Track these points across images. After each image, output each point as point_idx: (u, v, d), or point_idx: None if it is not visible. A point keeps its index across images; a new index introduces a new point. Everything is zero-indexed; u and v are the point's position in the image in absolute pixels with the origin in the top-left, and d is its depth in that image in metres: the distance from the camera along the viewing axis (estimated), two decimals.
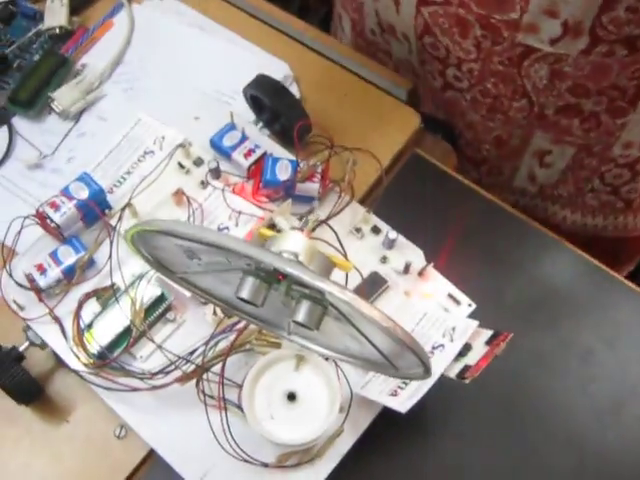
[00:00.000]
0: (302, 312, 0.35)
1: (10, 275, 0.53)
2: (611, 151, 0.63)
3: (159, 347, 0.49)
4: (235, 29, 0.67)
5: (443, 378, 0.48)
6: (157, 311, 0.52)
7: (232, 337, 0.50)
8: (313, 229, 0.51)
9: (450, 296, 0.53)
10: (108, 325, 0.51)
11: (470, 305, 0.53)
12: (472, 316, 0.52)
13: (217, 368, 0.49)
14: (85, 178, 0.55)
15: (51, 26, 0.66)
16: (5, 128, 0.63)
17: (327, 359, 0.48)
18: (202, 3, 0.69)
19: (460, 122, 0.69)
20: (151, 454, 0.52)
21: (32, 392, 0.53)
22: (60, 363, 0.54)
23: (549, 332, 0.56)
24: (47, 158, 0.62)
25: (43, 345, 0.54)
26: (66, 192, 0.54)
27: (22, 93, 0.63)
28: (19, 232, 0.54)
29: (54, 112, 0.63)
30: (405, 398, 0.47)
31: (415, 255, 0.54)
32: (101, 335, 0.50)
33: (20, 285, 0.53)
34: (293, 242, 0.36)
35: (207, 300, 0.43)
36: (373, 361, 0.40)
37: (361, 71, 0.65)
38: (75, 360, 0.51)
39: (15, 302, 0.53)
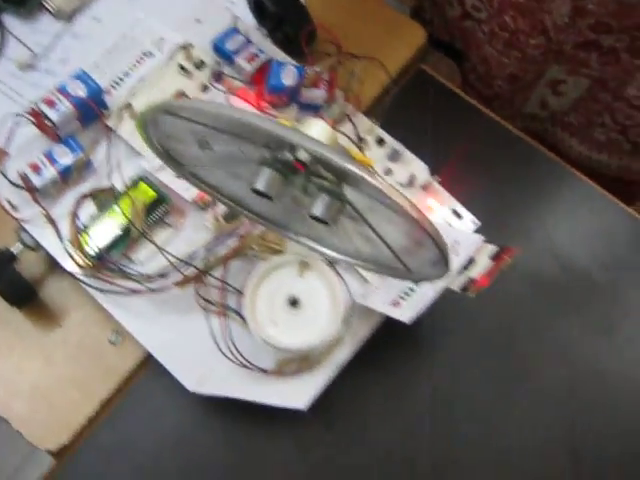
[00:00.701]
0: (319, 205, 0.34)
1: (4, 175, 0.51)
2: (626, 90, 0.61)
3: (159, 249, 0.48)
4: None
5: (445, 292, 0.47)
6: (156, 214, 0.50)
7: (233, 243, 0.49)
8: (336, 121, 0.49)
9: (454, 212, 0.53)
10: (106, 227, 0.50)
11: (474, 223, 0.52)
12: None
13: (217, 274, 0.48)
14: (82, 76, 0.52)
15: None
16: None
17: (332, 266, 0.47)
18: None
19: (474, 55, 0.67)
20: (146, 361, 0.52)
21: (25, 295, 0.52)
22: (54, 267, 0.53)
23: (547, 253, 0.56)
24: (39, 58, 0.59)
25: (37, 247, 0.52)
26: (62, 89, 0.52)
27: None
28: (11, 130, 0.52)
29: (47, 11, 0.61)
30: (406, 308, 0.47)
31: (419, 169, 0.53)
32: (99, 236, 0.49)
33: (14, 184, 0.51)
34: (316, 130, 0.34)
35: (215, 197, 0.42)
36: (384, 263, 0.39)
37: None
38: (71, 262, 0.50)
39: (9, 202, 0.51)
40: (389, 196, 0.29)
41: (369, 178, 0.29)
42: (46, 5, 0.60)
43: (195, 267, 0.47)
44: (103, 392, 0.51)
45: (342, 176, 0.34)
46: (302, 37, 0.54)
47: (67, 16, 0.61)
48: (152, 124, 0.36)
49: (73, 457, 0.50)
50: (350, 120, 0.52)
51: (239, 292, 0.49)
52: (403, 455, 0.51)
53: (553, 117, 0.70)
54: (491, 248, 0.48)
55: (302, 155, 0.33)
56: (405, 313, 0.46)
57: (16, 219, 0.52)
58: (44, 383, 0.52)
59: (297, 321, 0.46)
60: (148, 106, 0.33)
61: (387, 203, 0.30)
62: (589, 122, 0.67)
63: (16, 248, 0.52)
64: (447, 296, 0.46)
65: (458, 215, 0.53)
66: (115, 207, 0.50)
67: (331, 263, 0.48)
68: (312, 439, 0.51)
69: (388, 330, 0.50)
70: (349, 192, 0.34)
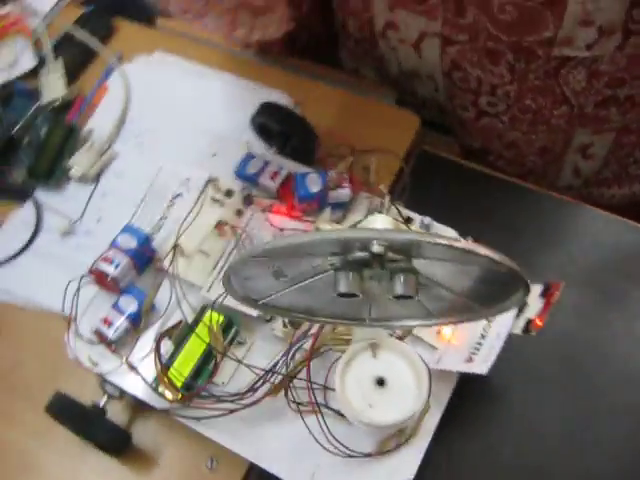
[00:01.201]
0: (400, 284, 0.38)
1: (79, 335, 0.55)
2: None
3: (245, 365, 0.52)
4: (229, 70, 0.70)
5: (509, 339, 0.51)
6: (229, 335, 0.54)
7: (307, 344, 0.52)
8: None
9: None
10: (187, 358, 0.53)
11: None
12: None
13: (300, 376, 0.52)
14: (129, 228, 0.57)
15: (51, 99, 0.69)
16: (30, 203, 0.65)
17: (401, 339, 0.51)
18: (189, 52, 0.73)
19: (498, 145, 0.71)
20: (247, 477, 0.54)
21: (122, 442, 0.55)
22: (141, 409, 0.56)
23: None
24: (77, 223, 0.64)
25: (121, 395, 0.55)
26: (116, 245, 0.56)
27: (40, 166, 0.66)
28: (77, 293, 0.56)
29: (73, 179, 0.66)
30: (480, 361, 0.51)
31: (450, 234, 0.58)
32: (183, 368, 0.52)
33: (92, 342, 0.54)
34: (381, 222, 0.39)
35: (289, 316, 0.45)
36: (460, 309, 0.43)
37: (356, 90, 0.69)
38: (161, 400, 0.53)
39: (89, 358, 0.54)
40: (476, 252, 0.34)
41: (454, 243, 0.33)
42: (71, 173, 0.65)
43: (281, 374, 0.51)
44: None
45: (410, 253, 0.38)
46: (314, 146, 0.59)
47: (92, 179, 0.66)
48: (234, 272, 0.40)
49: None
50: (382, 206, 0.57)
51: (325, 388, 0.52)
52: None
53: (587, 182, 0.74)
54: (538, 287, 0.53)
55: (375, 248, 0.37)
56: (481, 366, 0.50)
57: (98, 374, 0.55)
58: None
59: (389, 398, 0.49)
60: (233, 260, 0.37)
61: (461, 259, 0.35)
62: (622, 167, 0.71)
63: (102, 400, 0.55)
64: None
65: None
66: (191, 338, 0.53)
67: (400, 337, 0.52)
68: None
69: (463, 389, 0.53)
70: (416, 263, 0.38)
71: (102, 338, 0.54)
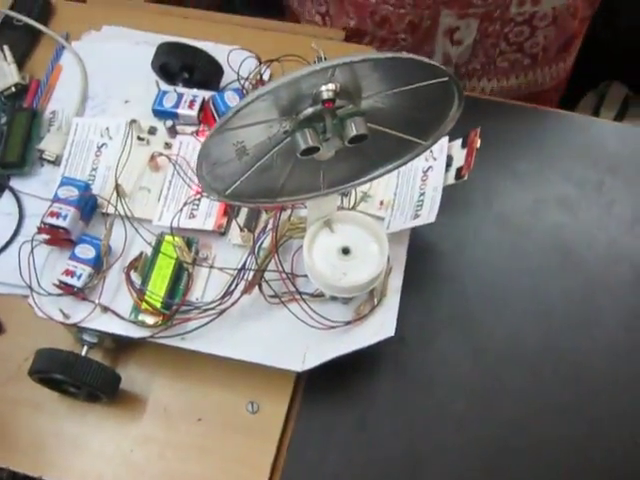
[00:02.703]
0: (352, 127, 0.42)
1: (47, 293, 0.55)
2: (509, 12, 0.73)
3: (216, 268, 0.54)
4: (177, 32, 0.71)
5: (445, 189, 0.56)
6: (193, 251, 0.56)
7: (267, 242, 0.55)
8: None
9: None
10: (159, 279, 0.55)
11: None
12: None
13: (270, 269, 0.55)
14: (67, 180, 0.58)
15: (6, 86, 0.69)
16: (8, 193, 0.65)
17: (352, 209, 0.55)
18: (138, 22, 0.75)
19: (370, 23, 0.75)
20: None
21: (114, 380, 0.56)
22: (123, 350, 0.58)
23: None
24: None
25: (100, 342, 0.57)
26: (58, 198, 0.57)
27: (10, 155, 0.65)
28: (31, 252, 0.56)
29: (47, 162, 0.66)
30: (427, 213, 0.55)
31: None
32: (158, 289, 0.54)
33: (60, 294, 0.55)
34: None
35: (252, 204, 0.48)
36: (402, 152, 0.48)
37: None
38: (142, 329, 0.54)
39: (62, 312, 0.55)
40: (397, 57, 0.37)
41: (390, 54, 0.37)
42: (45, 157, 0.65)
43: (252, 269, 0.54)
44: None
45: (352, 95, 0.41)
46: (219, 74, 0.62)
47: None
48: (204, 158, 0.42)
49: None
50: None
51: (293, 275, 0.55)
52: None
53: (458, 71, 0.80)
54: (458, 141, 0.58)
55: (325, 94, 0.40)
56: (428, 216, 0.55)
57: (73, 324, 0.56)
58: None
59: (357, 262, 0.53)
60: (208, 135, 0.39)
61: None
62: (489, 58, 0.77)
63: (83, 352, 0.56)
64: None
65: None
66: (158, 261, 0.55)
67: (352, 208, 0.56)
68: (391, 349, 0.58)
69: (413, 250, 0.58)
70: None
71: (68, 289, 0.55)
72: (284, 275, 0.54)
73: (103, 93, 0.70)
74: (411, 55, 0.39)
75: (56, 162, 0.66)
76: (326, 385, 0.58)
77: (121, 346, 0.59)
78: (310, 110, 0.41)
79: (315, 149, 0.42)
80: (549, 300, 0.61)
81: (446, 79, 0.41)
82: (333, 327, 0.54)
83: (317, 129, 0.42)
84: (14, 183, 0.66)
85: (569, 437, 0.56)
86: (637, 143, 0.67)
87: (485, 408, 0.58)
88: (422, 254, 0.62)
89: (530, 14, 0.74)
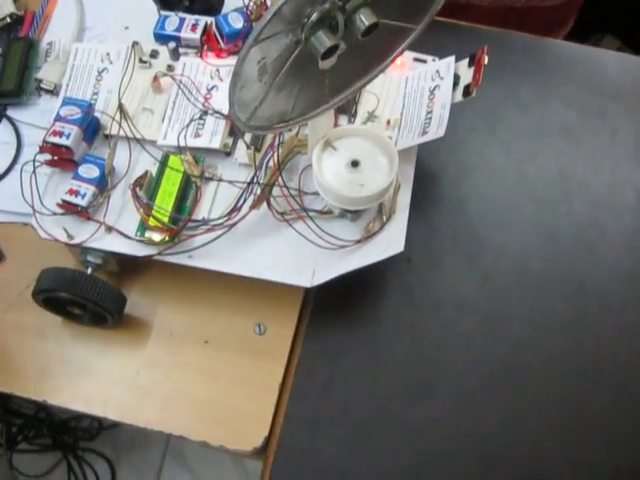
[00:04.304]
0: (365, 16, 0.41)
1: (50, 212, 0.54)
2: None
3: (224, 181, 0.53)
4: None
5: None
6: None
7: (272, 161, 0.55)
8: None
9: (416, 59, 0.61)
10: (166, 194, 0.54)
11: (434, 60, 0.61)
12: None
13: (277, 189, 0.54)
14: (69, 100, 0.57)
15: (1, 17, 0.68)
16: (6, 122, 0.64)
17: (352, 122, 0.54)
18: None
19: None
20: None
21: (120, 300, 0.55)
22: (128, 271, 0.57)
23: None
24: None
25: (105, 263, 0.56)
26: (60, 118, 0.56)
27: (7, 83, 0.65)
28: (34, 172, 0.55)
29: (44, 91, 0.65)
30: (436, 128, 0.55)
31: None
32: (166, 203, 0.53)
33: (64, 214, 0.54)
34: None
35: (269, 130, 0.47)
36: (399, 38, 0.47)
37: None
38: (149, 247, 0.54)
39: (66, 232, 0.54)
40: None
41: None
42: (43, 86, 0.64)
43: (260, 184, 0.53)
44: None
45: None
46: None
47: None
48: (234, 81, 0.41)
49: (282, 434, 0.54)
50: None
51: (301, 192, 0.55)
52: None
53: None
54: (465, 60, 0.58)
55: None
56: (437, 132, 0.55)
57: (77, 244, 0.55)
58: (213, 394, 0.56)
59: (367, 174, 0.52)
60: (245, 47, 0.38)
61: None
62: None
63: (89, 272, 0.55)
64: None
65: (422, 61, 0.61)
66: (164, 177, 0.54)
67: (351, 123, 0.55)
68: (398, 271, 0.59)
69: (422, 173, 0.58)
70: None
71: (72, 208, 0.54)
72: (286, 192, 0.53)
73: (101, 24, 0.69)
74: None
75: (54, 91, 0.65)
76: (333, 307, 0.58)
77: (125, 270, 0.59)
78: (326, 6, 0.40)
79: (335, 48, 0.41)
80: (554, 224, 0.61)
81: None
82: (343, 247, 0.53)
83: (330, 29, 0.42)
84: (12, 112, 0.66)
85: (575, 354, 0.57)
86: (639, 72, 0.68)
87: (492, 327, 0.58)
88: (427, 179, 0.62)
89: None
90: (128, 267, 0.58)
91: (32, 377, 0.56)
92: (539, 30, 0.77)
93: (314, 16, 0.40)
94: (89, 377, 0.56)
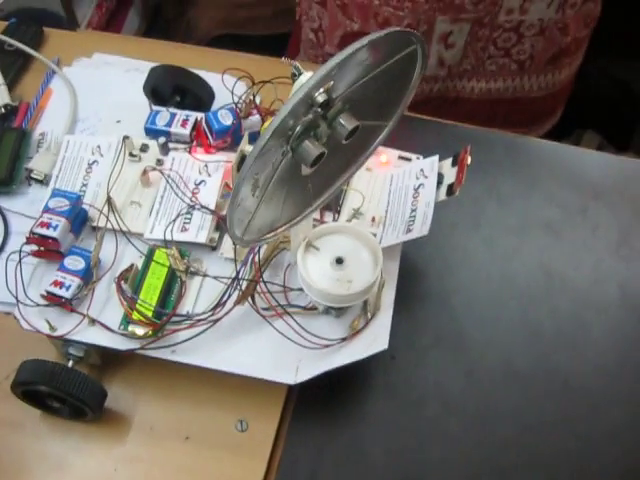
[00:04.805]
0: (345, 122, 0.43)
1: (34, 303, 0.54)
2: (497, 18, 0.78)
3: (209, 276, 0.54)
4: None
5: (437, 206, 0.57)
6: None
7: (262, 251, 0.55)
8: None
9: (401, 157, 0.63)
10: (150, 289, 0.54)
11: (418, 158, 0.63)
12: None
13: (264, 281, 0.54)
14: (58, 192, 0.58)
15: None
16: None
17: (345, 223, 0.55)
18: (128, 51, 0.76)
19: (374, 24, 0.80)
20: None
21: (101, 395, 0.55)
22: (111, 364, 0.57)
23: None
24: None
25: (87, 356, 0.55)
26: (48, 209, 0.56)
27: None
28: (19, 263, 0.55)
29: (34, 181, 0.66)
30: (420, 226, 0.56)
31: None
32: (150, 298, 0.53)
33: (48, 305, 0.54)
34: (306, 76, 0.43)
35: (262, 241, 0.49)
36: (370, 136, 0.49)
37: None
38: (131, 341, 0.53)
39: (48, 324, 0.54)
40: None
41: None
42: (33, 176, 0.65)
43: (247, 279, 0.53)
44: None
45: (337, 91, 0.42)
46: (211, 96, 0.63)
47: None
48: (234, 200, 0.42)
49: None
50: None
51: (286, 288, 0.55)
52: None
53: (450, 72, 0.85)
54: (448, 160, 0.59)
55: (320, 98, 0.41)
56: (421, 229, 0.55)
57: (60, 337, 0.54)
58: None
59: (351, 272, 0.53)
60: (250, 158, 0.40)
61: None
62: (479, 60, 0.82)
63: (69, 365, 0.55)
64: None
65: (405, 158, 0.63)
66: (149, 271, 0.54)
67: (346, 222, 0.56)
68: (382, 368, 0.59)
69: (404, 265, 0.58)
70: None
71: (56, 299, 0.54)
72: (266, 289, 0.53)
73: (94, 116, 0.71)
74: (396, 28, 0.40)
75: (44, 181, 0.66)
76: (316, 404, 0.58)
77: (107, 363, 0.58)
78: (310, 116, 0.42)
79: (322, 155, 0.43)
80: (537, 320, 0.62)
81: (414, 47, 0.43)
82: (328, 346, 0.53)
83: (315, 137, 0.43)
84: (0, 201, 0.66)
85: (561, 453, 0.56)
86: (619, 171, 0.69)
87: (477, 425, 0.57)
88: (411, 274, 0.63)
89: (517, 22, 0.79)
90: (110, 360, 0.58)
91: (8, 472, 0.55)
92: (527, 120, 0.80)
93: (299, 128, 0.41)
94: (65, 473, 0.55)
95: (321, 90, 0.41)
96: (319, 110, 0.42)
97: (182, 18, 1.12)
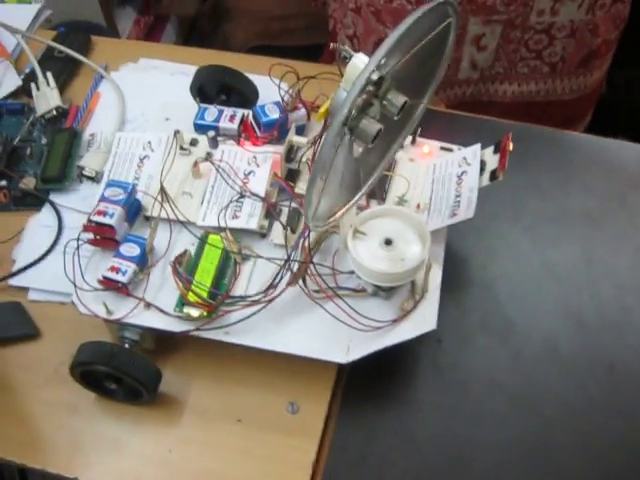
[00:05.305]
0: (395, 97, 0.44)
1: (92, 288, 0.56)
2: (529, 20, 0.80)
3: (263, 258, 0.55)
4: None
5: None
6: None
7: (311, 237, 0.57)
8: None
9: (442, 148, 0.65)
10: (205, 271, 0.56)
11: (459, 149, 0.64)
12: None
13: (315, 263, 0.56)
14: (113, 182, 0.60)
15: (47, 109, 0.72)
16: (48, 207, 0.68)
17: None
18: (173, 55, 0.80)
19: None
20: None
21: (157, 376, 0.56)
22: (165, 348, 0.58)
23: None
24: None
25: (141, 340, 0.57)
26: (105, 198, 0.58)
27: (51, 170, 0.68)
28: (77, 250, 0.57)
29: (86, 178, 0.69)
30: (465, 209, 0.57)
31: None
32: (205, 279, 0.55)
33: (105, 289, 0.56)
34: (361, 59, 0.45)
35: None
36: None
37: None
38: (186, 323, 0.55)
39: (106, 307, 0.56)
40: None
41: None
42: (85, 174, 0.68)
43: (298, 261, 0.55)
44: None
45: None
46: (255, 94, 0.66)
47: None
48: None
49: None
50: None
51: (335, 271, 0.56)
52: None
53: (483, 75, 0.86)
54: (491, 147, 0.61)
55: (375, 75, 0.43)
56: (466, 213, 0.57)
57: (116, 320, 0.56)
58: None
59: (401, 251, 0.54)
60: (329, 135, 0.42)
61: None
62: (511, 62, 0.84)
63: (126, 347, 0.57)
64: None
65: (447, 149, 0.65)
66: (204, 254, 0.56)
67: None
68: (429, 352, 0.60)
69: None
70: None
71: (112, 284, 0.56)
72: (315, 271, 0.55)
73: (141, 117, 0.73)
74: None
75: (95, 179, 0.68)
76: (365, 387, 0.59)
77: (160, 348, 0.60)
78: (364, 96, 0.44)
79: (380, 131, 0.44)
80: (580, 306, 0.62)
81: (450, 20, 0.46)
82: (378, 328, 0.55)
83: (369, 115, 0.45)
84: (54, 198, 0.68)
85: (606, 434, 0.57)
86: None
87: (523, 406, 0.58)
88: (455, 262, 0.64)
89: (549, 24, 0.81)
90: (164, 345, 0.59)
91: (63, 453, 0.56)
92: (559, 123, 0.82)
93: (356, 108, 0.43)
94: (120, 454, 0.56)
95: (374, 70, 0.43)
96: (372, 88, 0.44)
97: (217, 31, 1.16)
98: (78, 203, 0.67)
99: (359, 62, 0.46)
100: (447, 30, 0.47)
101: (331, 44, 0.50)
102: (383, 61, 0.43)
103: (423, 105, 0.52)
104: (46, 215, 0.67)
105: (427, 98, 0.52)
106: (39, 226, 0.67)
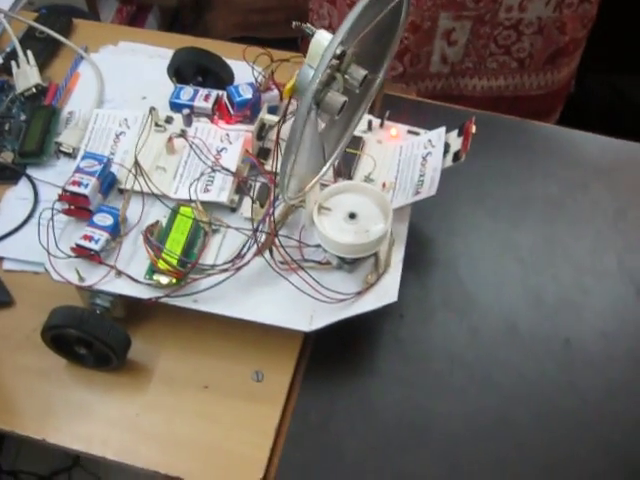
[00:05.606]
0: (356, 71, 0.47)
1: (65, 255, 0.57)
2: (498, 16, 0.83)
3: (232, 227, 0.57)
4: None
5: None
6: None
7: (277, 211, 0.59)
8: None
9: (410, 132, 0.67)
10: (175, 240, 0.57)
11: (426, 132, 0.67)
12: None
13: (282, 235, 0.58)
14: (89, 154, 0.61)
15: (27, 87, 0.74)
16: (25, 180, 0.69)
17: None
18: (153, 40, 0.81)
19: None
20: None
21: (126, 341, 0.58)
22: (134, 315, 0.60)
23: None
24: None
25: (112, 306, 0.59)
26: (80, 169, 0.60)
27: (28, 144, 0.70)
28: (52, 219, 0.59)
29: (63, 154, 0.70)
30: (428, 188, 0.59)
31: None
32: (175, 248, 0.57)
33: (77, 256, 0.57)
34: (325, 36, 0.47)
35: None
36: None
37: None
38: (156, 290, 0.57)
39: (77, 274, 0.57)
40: None
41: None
42: (62, 149, 0.70)
43: (266, 232, 0.56)
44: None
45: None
46: (231, 75, 0.68)
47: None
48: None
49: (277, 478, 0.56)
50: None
51: (301, 243, 0.58)
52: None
53: (453, 70, 0.89)
54: (455, 131, 0.63)
55: (339, 50, 0.45)
56: (429, 191, 0.59)
57: (88, 287, 0.58)
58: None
59: (365, 223, 0.56)
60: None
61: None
62: (480, 58, 0.87)
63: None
64: None
65: (414, 132, 0.67)
66: (174, 224, 0.58)
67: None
68: (391, 326, 0.62)
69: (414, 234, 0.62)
70: None
71: (85, 252, 0.57)
72: (280, 243, 0.56)
73: (119, 97, 0.75)
74: None
75: (72, 155, 0.70)
76: (329, 358, 0.61)
77: (130, 316, 0.61)
78: (328, 70, 0.46)
79: (345, 103, 0.47)
80: (540, 285, 0.65)
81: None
82: (343, 300, 0.56)
83: (335, 83, 0.47)
84: (31, 171, 0.70)
85: (562, 407, 0.59)
86: (617, 152, 0.73)
87: (481, 380, 0.60)
88: (419, 242, 0.66)
89: (517, 20, 0.84)
90: (133, 313, 0.61)
91: (33, 417, 0.58)
92: (528, 118, 0.84)
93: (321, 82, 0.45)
94: (89, 418, 0.58)
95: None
96: (335, 63, 0.46)
97: (198, 22, 1.18)
98: (54, 178, 0.69)
99: (322, 38, 0.48)
100: (400, 5, 0.49)
101: (293, 22, 0.52)
102: (344, 37, 0.45)
103: (380, 79, 0.55)
104: (22, 188, 0.69)
105: (383, 72, 0.54)
106: (15, 198, 0.68)
